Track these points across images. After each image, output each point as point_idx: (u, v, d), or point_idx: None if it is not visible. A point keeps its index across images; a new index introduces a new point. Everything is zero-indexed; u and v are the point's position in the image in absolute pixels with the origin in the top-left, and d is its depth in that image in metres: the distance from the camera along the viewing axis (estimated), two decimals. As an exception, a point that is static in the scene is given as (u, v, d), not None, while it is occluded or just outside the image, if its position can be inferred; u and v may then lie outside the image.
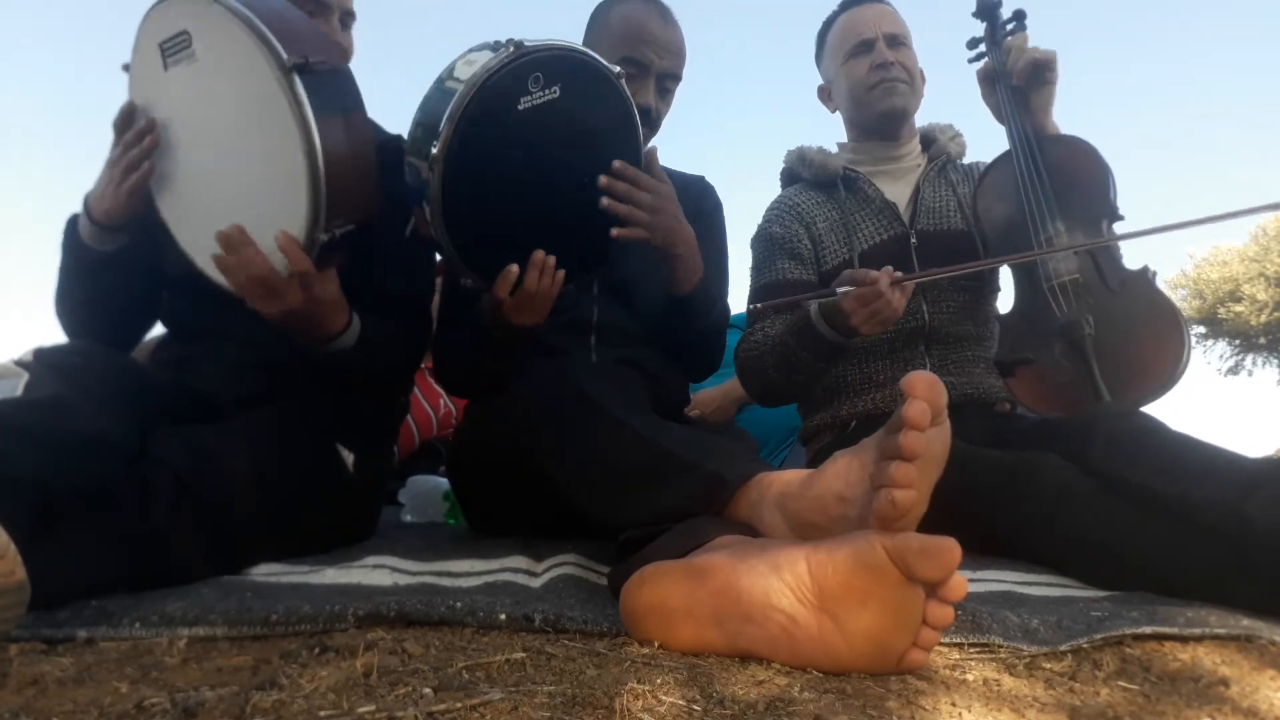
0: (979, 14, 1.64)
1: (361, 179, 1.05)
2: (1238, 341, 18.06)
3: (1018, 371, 1.41)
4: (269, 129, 1.00)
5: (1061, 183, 1.43)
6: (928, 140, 1.71)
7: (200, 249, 1.11)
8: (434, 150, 1.05)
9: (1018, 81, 1.51)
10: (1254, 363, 18.46)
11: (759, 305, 1.50)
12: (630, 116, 1.23)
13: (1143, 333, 1.33)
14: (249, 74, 0.99)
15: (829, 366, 1.48)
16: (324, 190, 1.00)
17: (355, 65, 1.24)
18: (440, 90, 1.09)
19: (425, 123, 1.09)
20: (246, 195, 1.06)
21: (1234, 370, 18.63)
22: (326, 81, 1.01)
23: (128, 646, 0.68)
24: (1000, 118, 1.55)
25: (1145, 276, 1.38)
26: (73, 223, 1.18)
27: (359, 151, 1.04)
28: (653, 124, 1.48)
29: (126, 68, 1.13)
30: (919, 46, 1.68)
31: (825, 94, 1.76)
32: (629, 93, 1.22)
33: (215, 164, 1.08)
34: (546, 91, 1.11)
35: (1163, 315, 1.33)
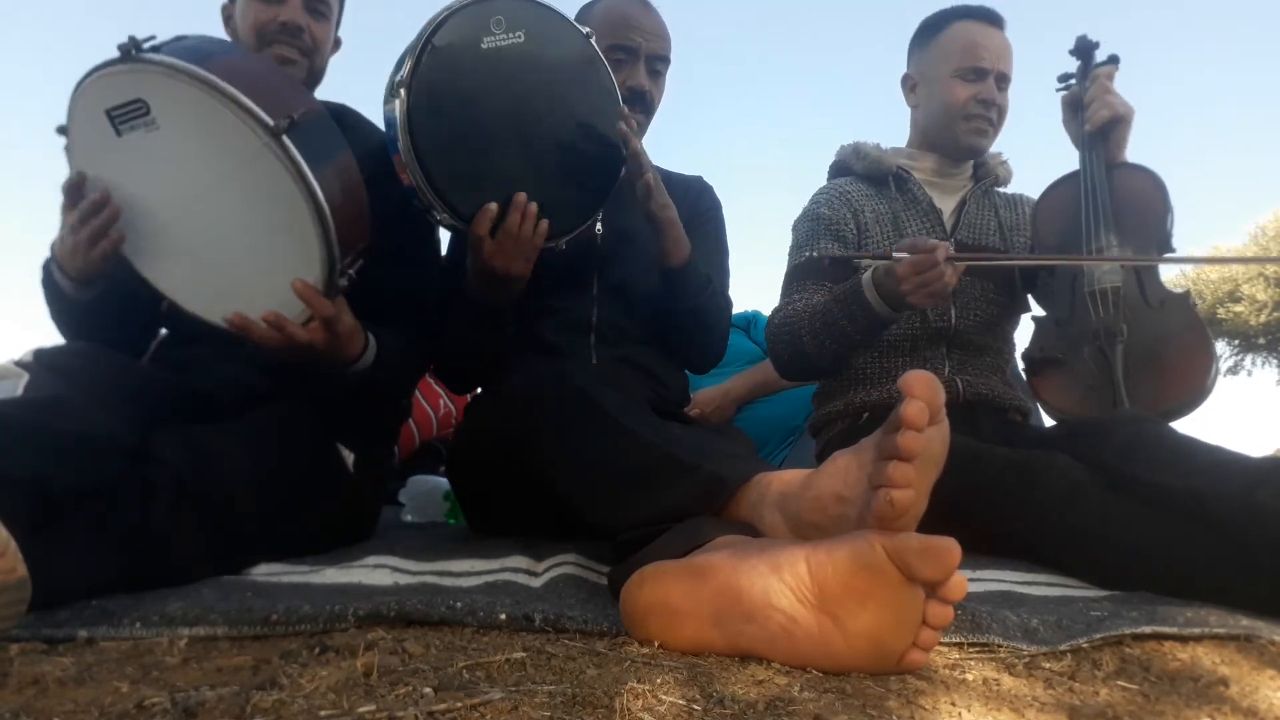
0: (1076, 52, 1.65)
1: (359, 214, 1.06)
2: (1237, 342, 18.08)
3: (1044, 370, 1.43)
4: (261, 188, 0.99)
5: (1123, 204, 1.47)
6: (977, 163, 1.73)
7: (207, 302, 1.10)
8: (398, 79, 1.08)
9: (1090, 129, 1.54)
10: (1253, 363, 18.48)
11: (817, 254, 1.50)
12: (605, 76, 1.26)
13: (1173, 352, 1.35)
14: (228, 140, 0.97)
15: (865, 342, 1.48)
16: (335, 242, 1.00)
17: (344, 60, 1.24)
18: (411, 45, 1.13)
19: (395, 69, 1.12)
20: (252, 250, 1.05)
21: (1233, 370, 18.66)
22: (311, 132, 1.00)
23: (128, 646, 0.68)
24: (1077, 143, 1.58)
25: (1187, 301, 1.41)
26: (47, 268, 1.17)
27: (351, 189, 1.05)
28: (647, 108, 1.50)
29: (63, 130, 1.06)
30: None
31: (910, 86, 1.72)
32: (598, 49, 1.25)
33: (206, 225, 1.06)
34: (510, 35, 1.14)
35: (1195, 339, 1.37)
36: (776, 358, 1.63)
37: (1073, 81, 1.64)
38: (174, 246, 1.09)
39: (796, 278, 1.63)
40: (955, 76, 1.60)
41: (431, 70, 1.11)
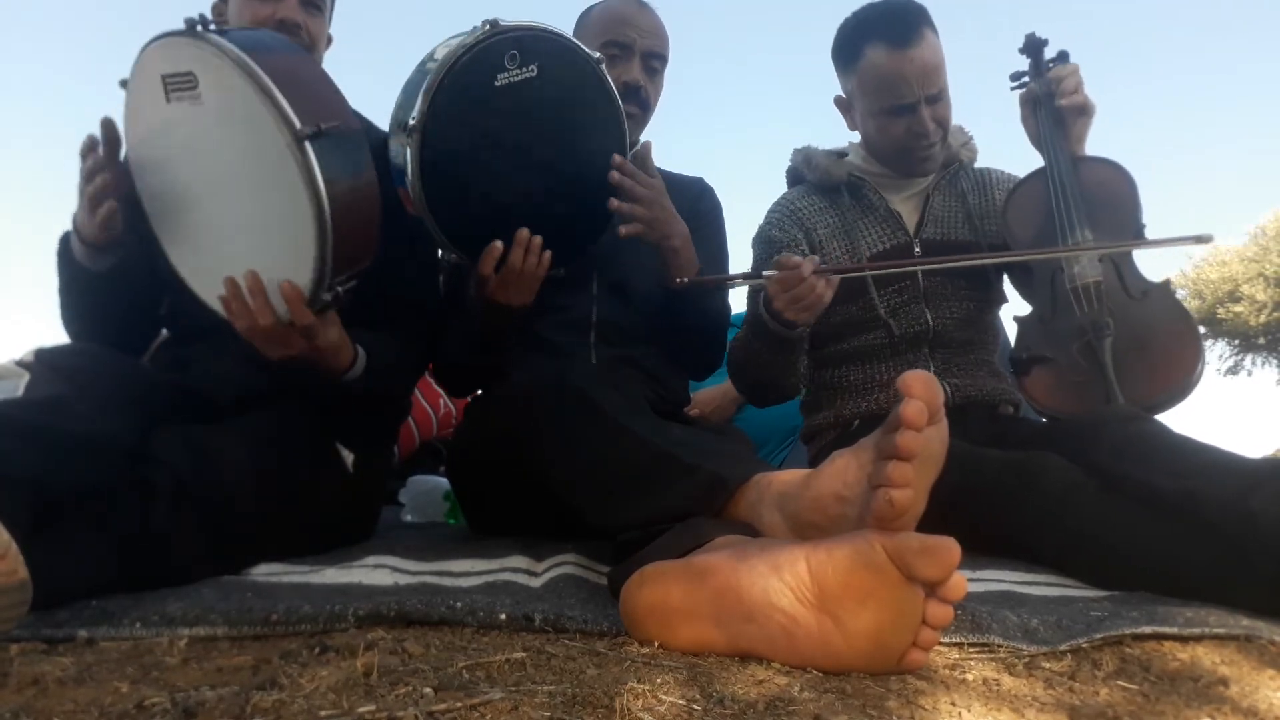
0: (1025, 50, 1.62)
1: (365, 234, 1.06)
2: (1237, 342, 18.07)
3: (1031, 370, 1.43)
4: (276, 187, 0.99)
5: (1093, 198, 1.46)
6: None
7: (205, 283, 1.10)
8: (411, 122, 1.07)
9: (1064, 102, 1.50)
10: (1253, 363, 18.47)
11: (683, 280, 1.42)
12: (613, 102, 1.25)
13: (1160, 340, 1.36)
14: (258, 133, 0.98)
15: (785, 363, 1.48)
16: (330, 255, 1.00)
17: (344, 55, 1.24)
18: (420, 71, 1.12)
19: (404, 102, 1.11)
20: (252, 242, 1.05)
21: (1233, 370, 18.65)
22: (337, 145, 1.00)
23: (128, 646, 0.68)
24: (1037, 141, 1.55)
25: (1167, 289, 1.41)
26: (65, 240, 1.18)
27: (364, 210, 1.04)
28: (643, 104, 1.49)
29: (124, 84, 1.10)
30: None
31: (845, 106, 1.64)
32: (610, 78, 1.24)
33: (218, 205, 1.07)
34: (524, 70, 1.13)
35: (1181, 326, 1.37)
36: (736, 387, 1.66)
37: (1026, 79, 1.61)
38: (192, 221, 1.10)
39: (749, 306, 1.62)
40: (883, 114, 1.52)
41: (445, 117, 1.09)
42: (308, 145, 0.96)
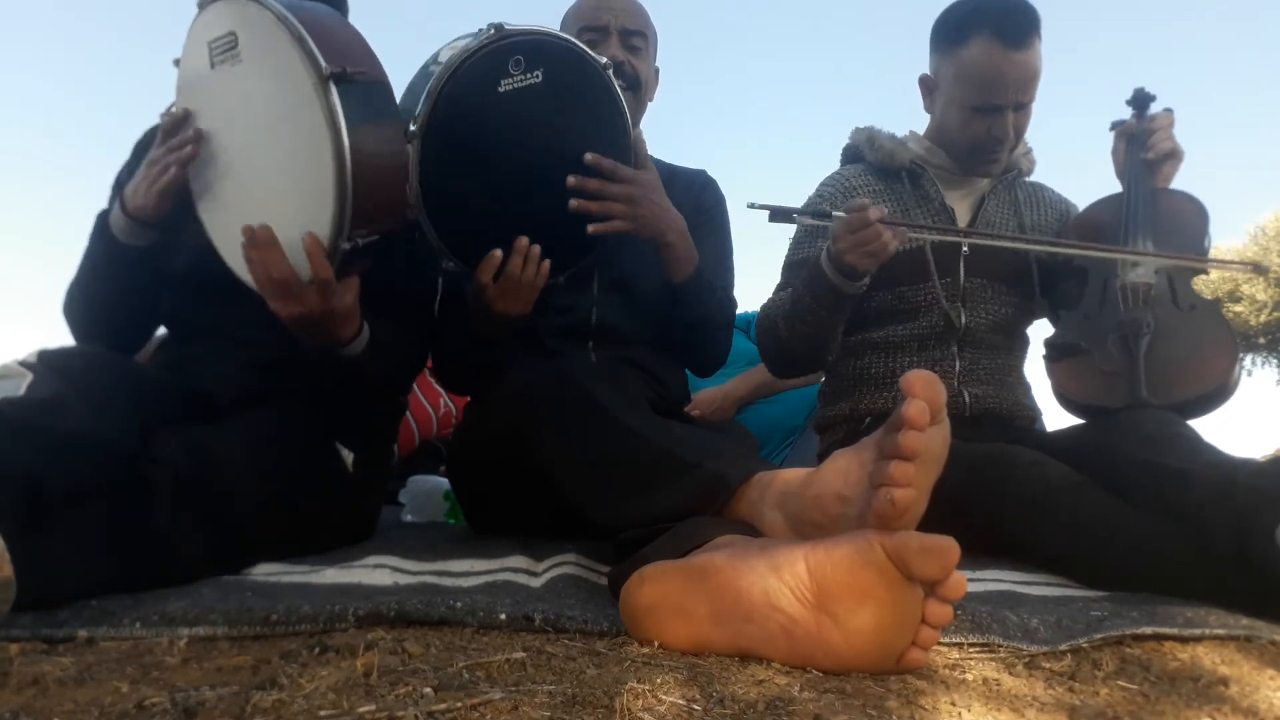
0: (1133, 103, 1.63)
1: (391, 190, 1.05)
2: (1237, 342, 18.11)
3: (1064, 357, 1.45)
4: (302, 134, 1.00)
5: (1163, 218, 1.49)
6: None
7: (229, 245, 1.10)
8: (412, 127, 1.07)
9: (1153, 157, 1.53)
10: (1253, 363, 18.50)
11: (754, 203, 1.43)
12: (618, 107, 1.24)
13: (1195, 349, 1.37)
14: (288, 79, 0.98)
15: (830, 319, 1.46)
16: (350, 199, 0.99)
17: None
18: (423, 73, 1.12)
19: (406, 105, 1.10)
20: (275, 196, 1.05)
21: (1233, 370, 18.65)
22: (364, 92, 1.00)
23: (128, 646, 0.68)
24: (1121, 173, 1.56)
25: (1217, 307, 1.44)
26: (104, 216, 1.19)
27: (390, 163, 1.04)
28: (631, 81, 1.46)
29: (177, 62, 1.12)
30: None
31: (927, 89, 1.62)
32: (614, 83, 1.23)
33: (247, 163, 1.08)
34: (528, 76, 1.13)
35: (1220, 340, 1.38)
36: (763, 353, 1.62)
37: (1126, 122, 1.62)
38: (220, 179, 1.11)
39: (785, 273, 1.62)
40: (971, 108, 1.50)
41: (447, 122, 1.09)
42: (332, 86, 0.95)
